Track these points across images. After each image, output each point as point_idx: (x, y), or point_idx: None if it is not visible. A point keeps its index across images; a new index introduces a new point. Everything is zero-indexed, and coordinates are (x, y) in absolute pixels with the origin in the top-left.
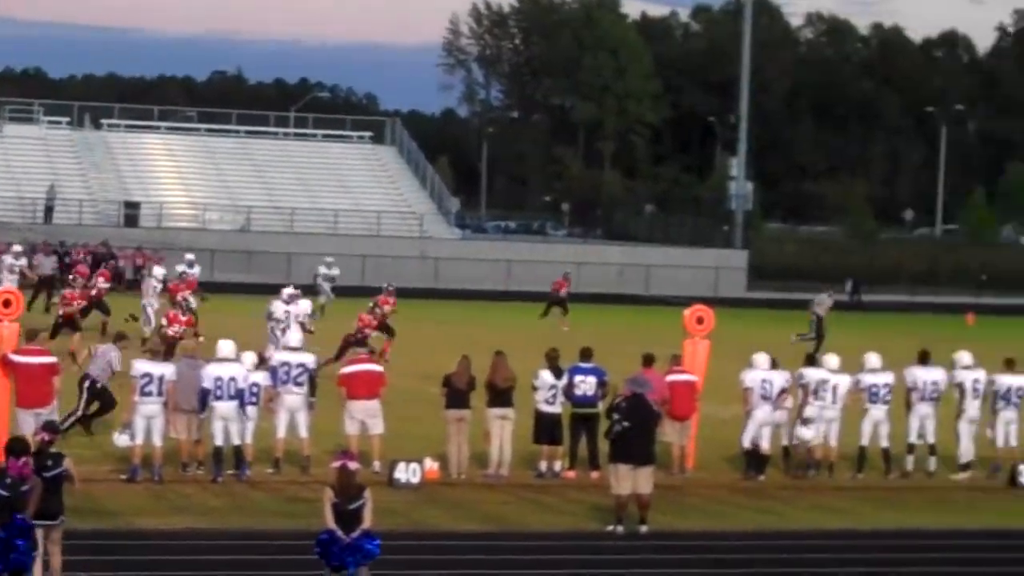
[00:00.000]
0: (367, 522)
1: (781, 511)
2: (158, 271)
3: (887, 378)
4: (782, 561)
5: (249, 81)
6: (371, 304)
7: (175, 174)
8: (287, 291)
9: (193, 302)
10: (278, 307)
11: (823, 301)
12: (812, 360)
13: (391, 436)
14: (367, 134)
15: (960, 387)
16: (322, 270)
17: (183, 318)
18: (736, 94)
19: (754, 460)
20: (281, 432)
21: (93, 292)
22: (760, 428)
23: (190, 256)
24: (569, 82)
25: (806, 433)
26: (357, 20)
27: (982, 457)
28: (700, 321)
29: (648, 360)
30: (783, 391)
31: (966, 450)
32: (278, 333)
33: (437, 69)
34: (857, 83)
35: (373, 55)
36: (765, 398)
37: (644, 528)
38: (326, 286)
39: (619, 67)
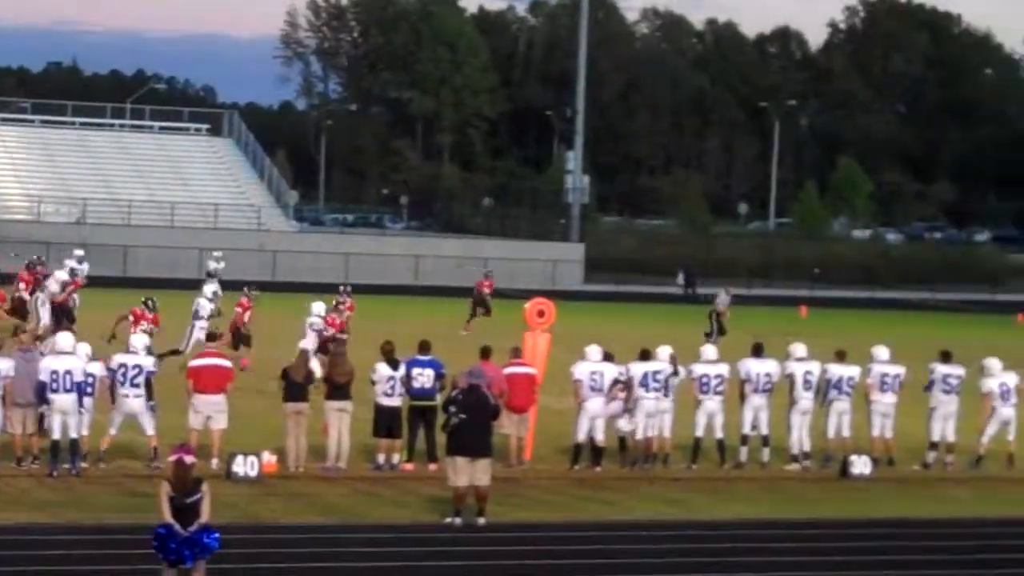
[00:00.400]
0: (205, 516)
1: (618, 502)
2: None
3: (720, 369)
4: (619, 552)
5: (85, 72)
6: (334, 303)
7: (9, 166)
8: (210, 288)
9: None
10: (204, 305)
11: (721, 298)
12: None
13: (228, 428)
14: (204, 126)
15: (791, 378)
16: (211, 265)
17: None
18: (572, 88)
19: (590, 452)
20: (113, 430)
21: None
22: (593, 420)
23: (79, 252)
24: (407, 75)
25: (625, 425)
26: (195, 12)
27: (818, 448)
28: (541, 314)
29: (485, 352)
30: (615, 382)
31: (797, 441)
32: (199, 333)
33: (275, 62)
34: (692, 78)
35: (211, 47)
36: (595, 390)
37: (482, 520)
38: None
39: (456, 61)
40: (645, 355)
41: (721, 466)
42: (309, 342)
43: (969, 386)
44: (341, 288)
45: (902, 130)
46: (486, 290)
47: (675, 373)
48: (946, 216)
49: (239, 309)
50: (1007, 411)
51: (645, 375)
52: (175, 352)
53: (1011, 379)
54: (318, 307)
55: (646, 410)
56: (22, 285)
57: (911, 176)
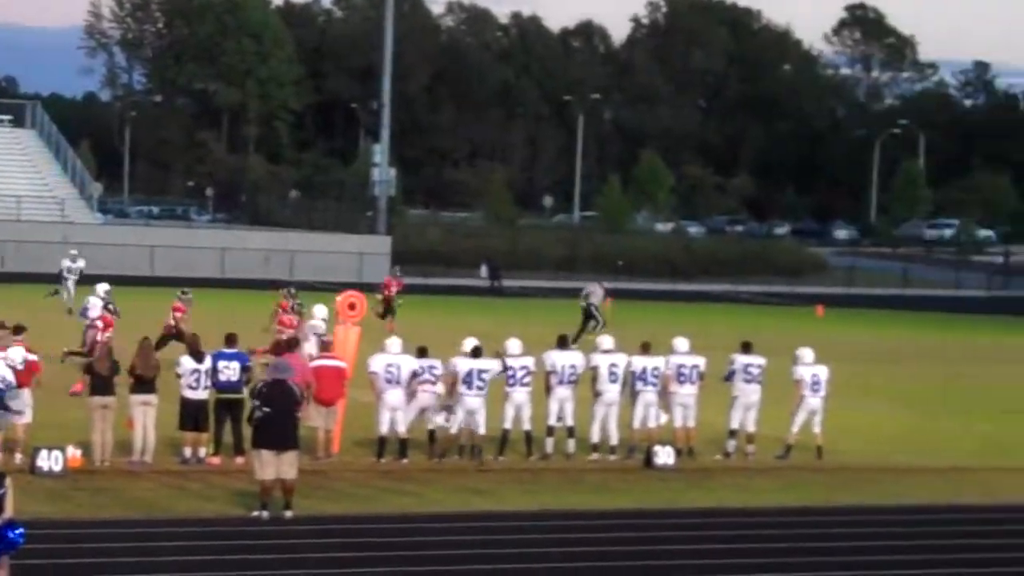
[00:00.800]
0: (8, 511)
1: (425, 494)
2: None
3: (526, 362)
4: (426, 544)
5: None
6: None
7: None
8: (102, 287)
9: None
10: (95, 304)
11: (595, 291)
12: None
13: (32, 424)
14: (7, 117)
15: (595, 370)
16: (66, 263)
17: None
18: (378, 80)
19: (397, 445)
20: None
21: None
22: (393, 412)
23: (74, 252)
24: (212, 67)
25: (439, 419)
26: None
27: (624, 439)
28: (352, 307)
29: (290, 345)
30: (414, 375)
31: (597, 431)
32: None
33: (78, 52)
34: (497, 71)
35: (12, 37)
36: (391, 382)
37: (289, 513)
38: (70, 280)
39: (262, 53)
40: (477, 352)
41: (528, 457)
42: (312, 346)
43: (772, 376)
44: (285, 290)
45: (703, 124)
46: (394, 289)
47: (505, 369)
48: (746, 210)
49: (178, 313)
50: (815, 401)
51: (470, 372)
52: (81, 354)
53: (823, 371)
54: (320, 310)
55: (467, 407)
56: None
57: (712, 170)
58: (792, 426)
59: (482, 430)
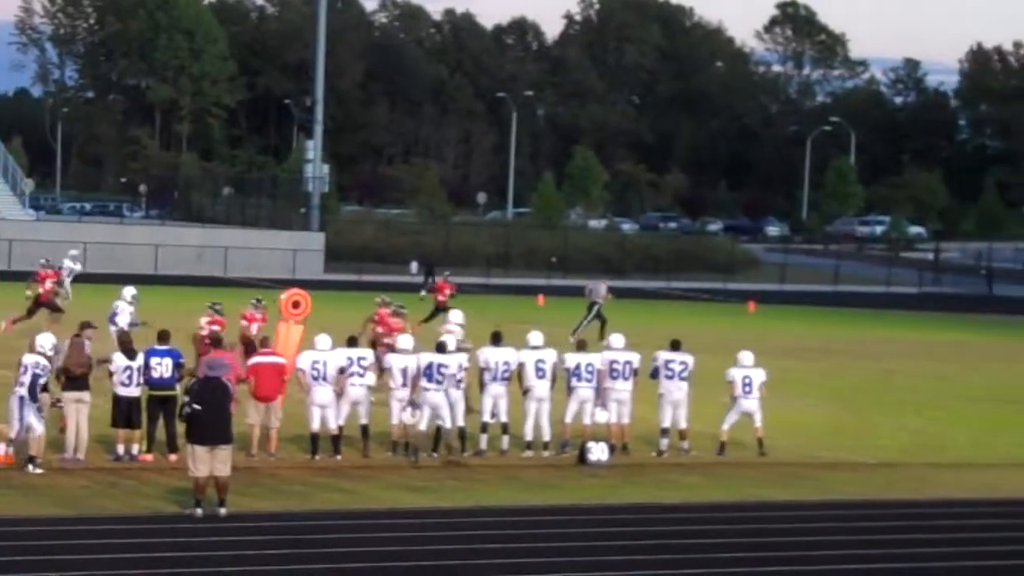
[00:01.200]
0: None
1: (359, 490)
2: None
3: (508, 356)
4: (360, 541)
5: None
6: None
7: None
8: (129, 291)
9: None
10: (123, 309)
11: (598, 288)
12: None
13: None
14: None
15: (521, 367)
16: (67, 264)
17: None
18: (311, 77)
19: (331, 441)
20: None
21: None
22: (323, 409)
23: (74, 252)
24: (145, 63)
25: (405, 416)
26: None
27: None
28: (296, 305)
29: (216, 342)
30: (341, 370)
31: (531, 428)
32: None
33: (9, 48)
34: (430, 68)
35: None
36: (318, 379)
37: (223, 510)
38: (67, 281)
39: (195, 49)
40: (441, 348)
41: (462, 453)
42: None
43: (703, 373)
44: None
45: (636, 121)
46: (448, 292)
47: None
48: (679, 206)
49: (250, 323)
50: (747, 403)
51: (430, 366)
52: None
53: (758, 374)
54: (456, 315)
55: (430, 402)
56: None
57: (645, 167)
58: (723, 423)
59: (448, 424)
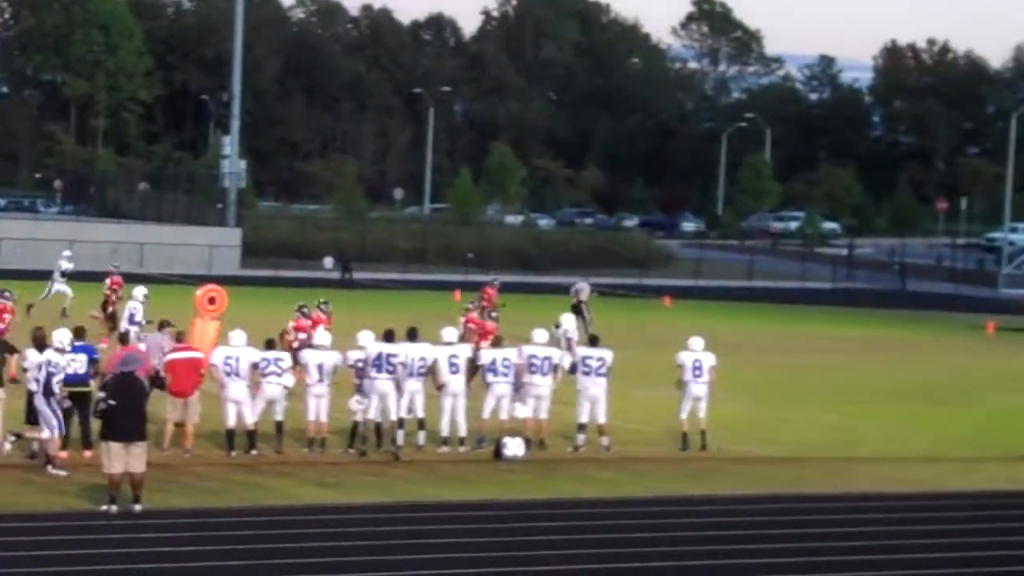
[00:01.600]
0: None
1: (274, 487)
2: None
3: (458, 351)
4: (275, 537)
5: None
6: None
7: None
8: (141, 290)
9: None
10: (138, 308)
11: (583, 288)
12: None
13: None
14: None
15: (435, 363)
16: (63, 264)
17: None
18: (228, 72)
19: (247, 437)
20: None
21: None
22: (238, 405)
23: (68, 252)
24: (60, 58)
25: (352, 403)
26: None
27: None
28: (212, 301)
29: (123, 339)
30: (253, 366)
31: (447, 424)
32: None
33: None
34: (347, 63)
35: None
36: (231, 375)
37: (137, 507)
38: (57, 276)
39: (111, 43)
40: (388, 337)
41: (377, 449)
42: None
43: (620, 367)
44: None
45: (553, 117)
46: (490, 296)
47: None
48: (596, 202)
49: (298, 329)
50: (698, 388)
51: (379, 356)
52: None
53: (708, 358)
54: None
55: (378, 391)
56: None
57: (562, 163)
58: (680, 413)
59: (393, 416)
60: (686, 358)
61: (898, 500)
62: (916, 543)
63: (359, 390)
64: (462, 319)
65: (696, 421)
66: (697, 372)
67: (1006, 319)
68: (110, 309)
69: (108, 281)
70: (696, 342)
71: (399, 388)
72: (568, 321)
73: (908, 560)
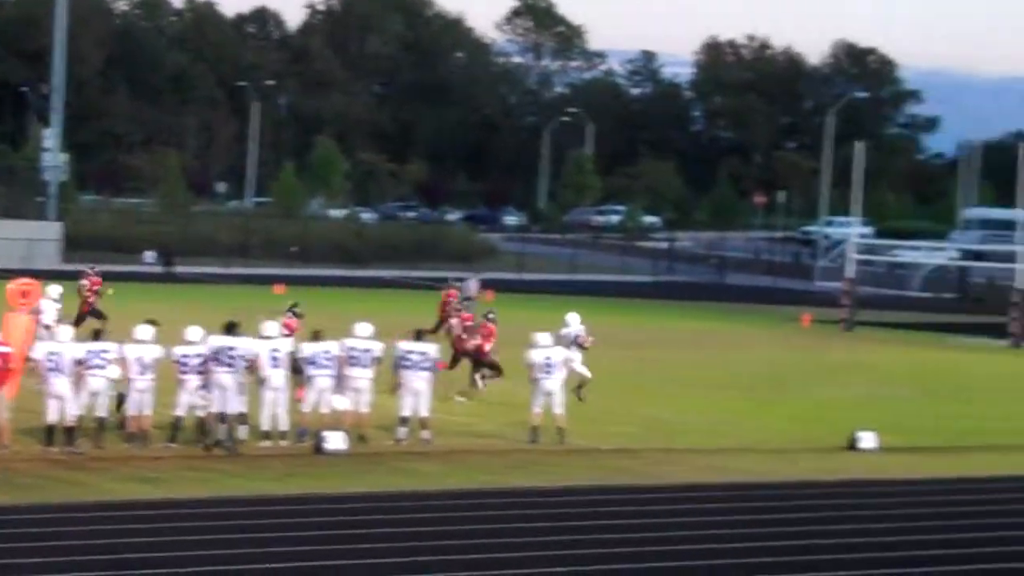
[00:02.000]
0: None
1: (94, 483)
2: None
3: (199, 349)
4: (94, 533)
5: None
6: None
7: None
8: (56, 288)
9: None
10: (48, 307)
11: (468, 286)
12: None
13: None
14: None
15: (257, 357)
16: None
17: None
18: (49, 64)
19: (64, 432)
20: None
21: None
22: (59, 400)
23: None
24: None
25: (196, 397)
26: None
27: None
28: (24, 295)
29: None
30: (78, 362)
31: (268, 418)
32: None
33: None
34: (171, 56)
35: None
36: (54, 370)
37: None
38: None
39: None
40: (230, 329)
41: (197, 444)
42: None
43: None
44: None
45: (378, 111)
46: (453, 297)
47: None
48: (419, 196)
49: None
50: (549, 383)
51: (219, 349)
52: None
53: (557, 353)
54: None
55: (218, 384)
56: None
57: (386, 156)
58: (533, 407)
59: (230, 408)
60: (536, 356)
61: (715, 490)
62: (729, 533)
63: (203, 385)
64: (455, 320)
65: (553, 417)
66: (548, 368)
67: (821, 311)
68: None
69: None
70: (542, 338)
71: (239, 383)
72: (574, 320)
73: (719, 550)
